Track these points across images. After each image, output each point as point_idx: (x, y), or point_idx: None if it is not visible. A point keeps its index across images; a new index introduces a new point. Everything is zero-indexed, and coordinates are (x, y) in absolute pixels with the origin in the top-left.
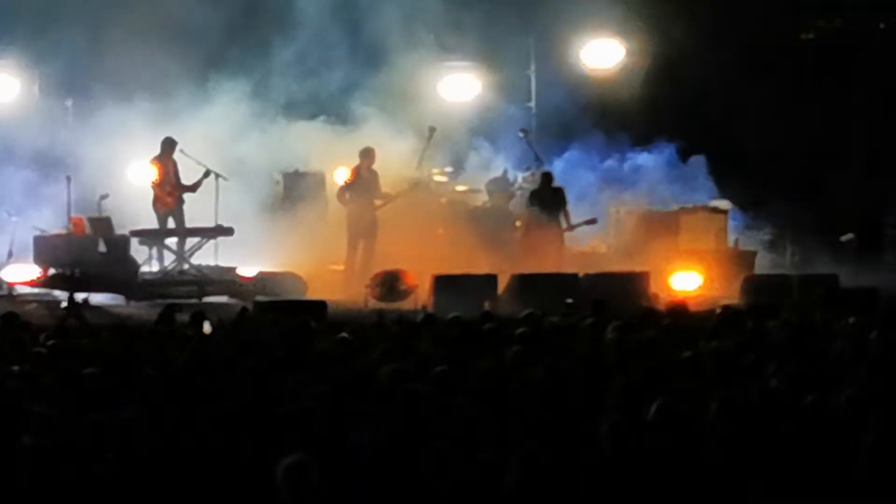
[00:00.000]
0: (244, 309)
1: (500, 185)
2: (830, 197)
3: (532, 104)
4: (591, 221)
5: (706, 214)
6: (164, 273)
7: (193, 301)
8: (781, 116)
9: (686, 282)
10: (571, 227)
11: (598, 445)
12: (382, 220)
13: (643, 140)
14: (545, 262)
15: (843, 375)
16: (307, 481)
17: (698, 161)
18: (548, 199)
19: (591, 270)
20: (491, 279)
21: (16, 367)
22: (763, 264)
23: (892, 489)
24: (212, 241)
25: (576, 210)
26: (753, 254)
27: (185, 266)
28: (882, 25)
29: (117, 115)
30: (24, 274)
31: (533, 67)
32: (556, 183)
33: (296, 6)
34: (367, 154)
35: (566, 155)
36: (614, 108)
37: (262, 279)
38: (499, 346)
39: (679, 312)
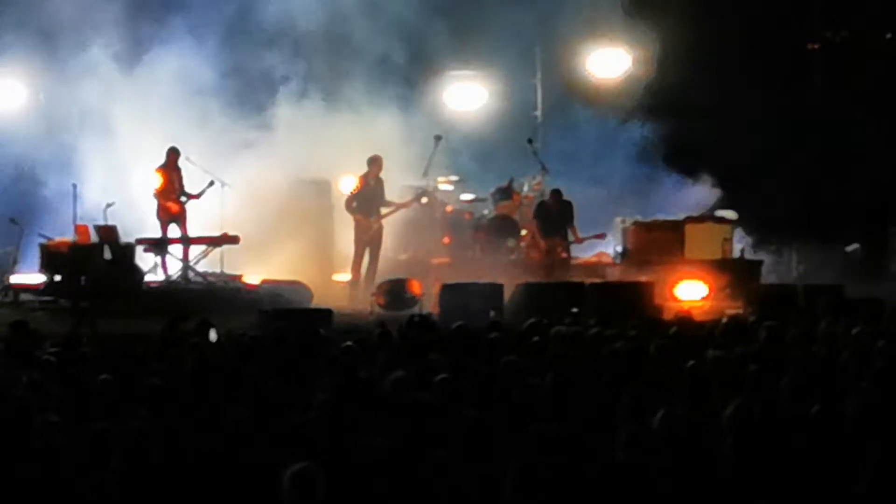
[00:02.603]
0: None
1: (506, 195)
2: (836, 207)
3: (538, 113)
4: (601, 236)
5: (712, 224)
6: (169, 281)
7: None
8: (787, 126)
9: (692, 291)
10: (580, 240)
11: (612, 455)
12: (388, 228)
13: (647, 150)
14: (551, 275)
15: (849, 386)
16: (313, 489)
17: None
18: (555, 213)
19: (597, 280)
20: (497, 288)
21: (24, 376)
22: (769, 274)
23: None
24: (217, 249)
25: (583, 220)
26: (759, 263)
27: (191, 274)
28: (889, 36)
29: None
30: (29, 281)
31: (539, 76)
32: (566, 197)
33: (297, 17)
34: (375, 162)
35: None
36: (619, 117)
37: (268, 287)
38: (504, 355)
39: (685, 322)
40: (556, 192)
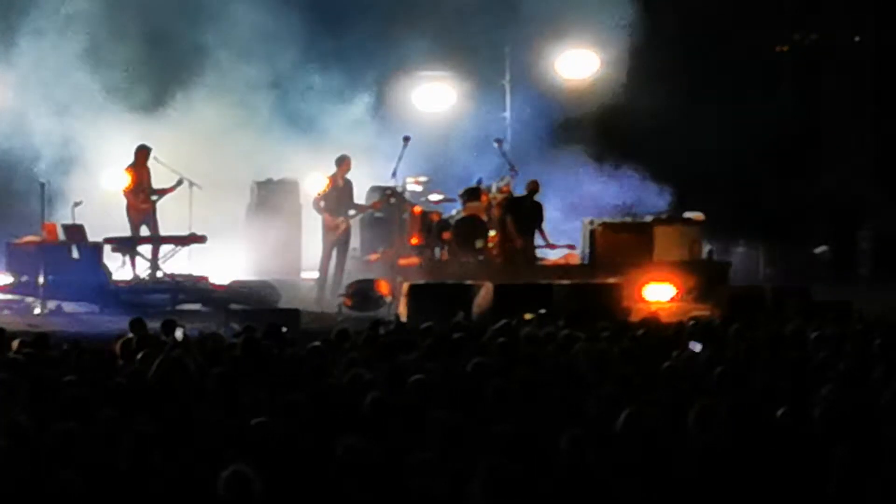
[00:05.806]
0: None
1: (475, 195)
2: (804, 209)
3: (507, 114)
4: (570, 247)
5: (680, 226)
6: (137, 280)
7: (166, 309)
8: (755, 128)
9: (659, 293)
10: (552, 246)
11: (560, 459)
12: (357, 228)
13: (615, 153)
14: (519, 274)
15: (816, 388)
16: (247, 493)
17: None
18: (526, 210)
19: (565, 281)
20: (465, 289)
21: None
22: (736, 276)
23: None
24: (185, 249)
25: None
26: (727, 265)
27: (159, 274)
28: (857, 38)
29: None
30: None
31: (508, 77)
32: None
33: (271, 12)
34: (343, 162)
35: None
36: (588, 119)
37: (236, 287)
38: (472, 356)
39: (652, 324)
40: (532, 183)
